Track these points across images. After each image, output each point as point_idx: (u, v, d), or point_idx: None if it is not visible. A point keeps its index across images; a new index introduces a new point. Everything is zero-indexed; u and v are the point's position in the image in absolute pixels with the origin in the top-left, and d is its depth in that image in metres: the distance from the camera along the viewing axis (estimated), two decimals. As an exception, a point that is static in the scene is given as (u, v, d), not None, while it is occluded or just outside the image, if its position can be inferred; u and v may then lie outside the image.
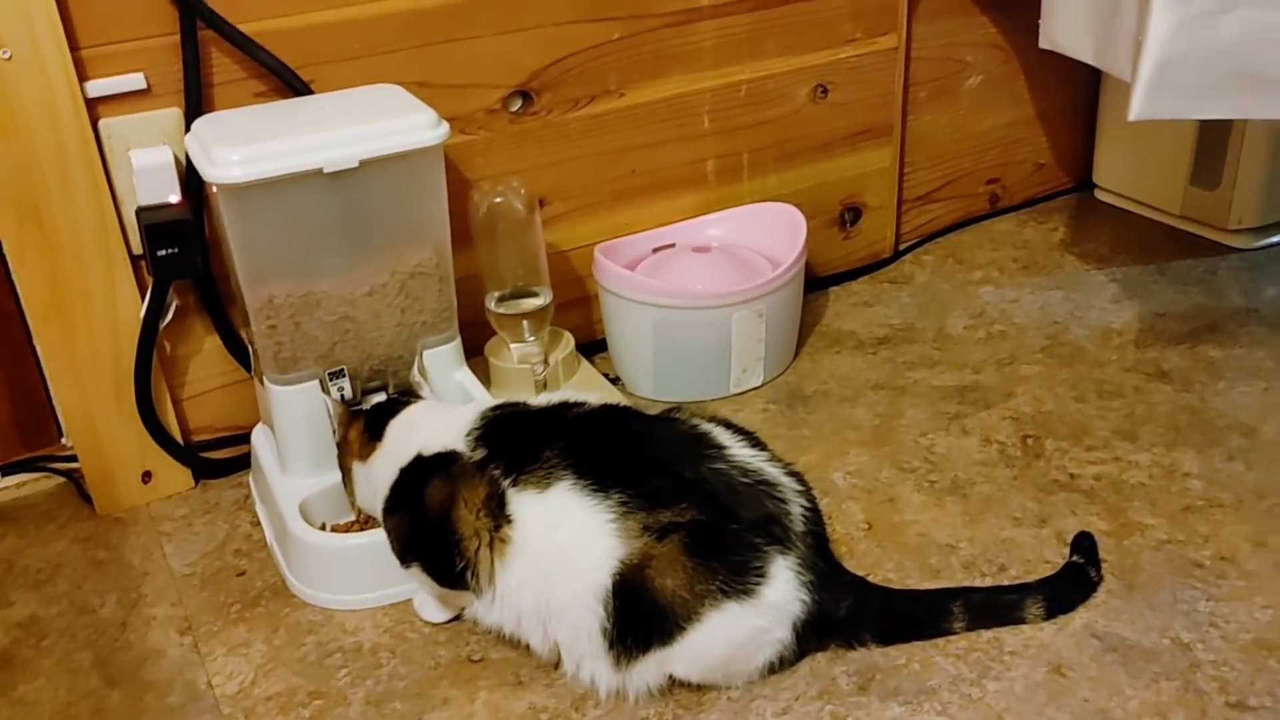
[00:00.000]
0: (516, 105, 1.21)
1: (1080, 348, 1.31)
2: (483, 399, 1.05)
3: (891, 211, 1.51)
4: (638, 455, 0.86)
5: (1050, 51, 1.30)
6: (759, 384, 1.27)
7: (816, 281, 1.47)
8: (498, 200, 1.13)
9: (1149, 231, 1.57)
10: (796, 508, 0.87)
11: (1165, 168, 1.55)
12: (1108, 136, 1.63)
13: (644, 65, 1.26)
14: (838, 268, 1.49)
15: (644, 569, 0.81)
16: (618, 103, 1.26)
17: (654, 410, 0.97)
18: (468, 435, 0.89)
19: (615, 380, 1.28)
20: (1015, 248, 1.56)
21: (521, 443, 0.87)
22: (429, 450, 0.90)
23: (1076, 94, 1.63)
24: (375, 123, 0.96)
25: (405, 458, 0.91)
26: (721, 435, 0.89)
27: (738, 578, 0.82)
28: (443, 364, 1.08)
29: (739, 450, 0.88)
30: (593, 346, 1.32)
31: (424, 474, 0.89)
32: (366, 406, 1.02)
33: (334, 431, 1.00)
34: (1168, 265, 1.48)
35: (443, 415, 0.94)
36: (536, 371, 1.17)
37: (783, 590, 0.84)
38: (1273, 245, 1.49)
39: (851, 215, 1.48)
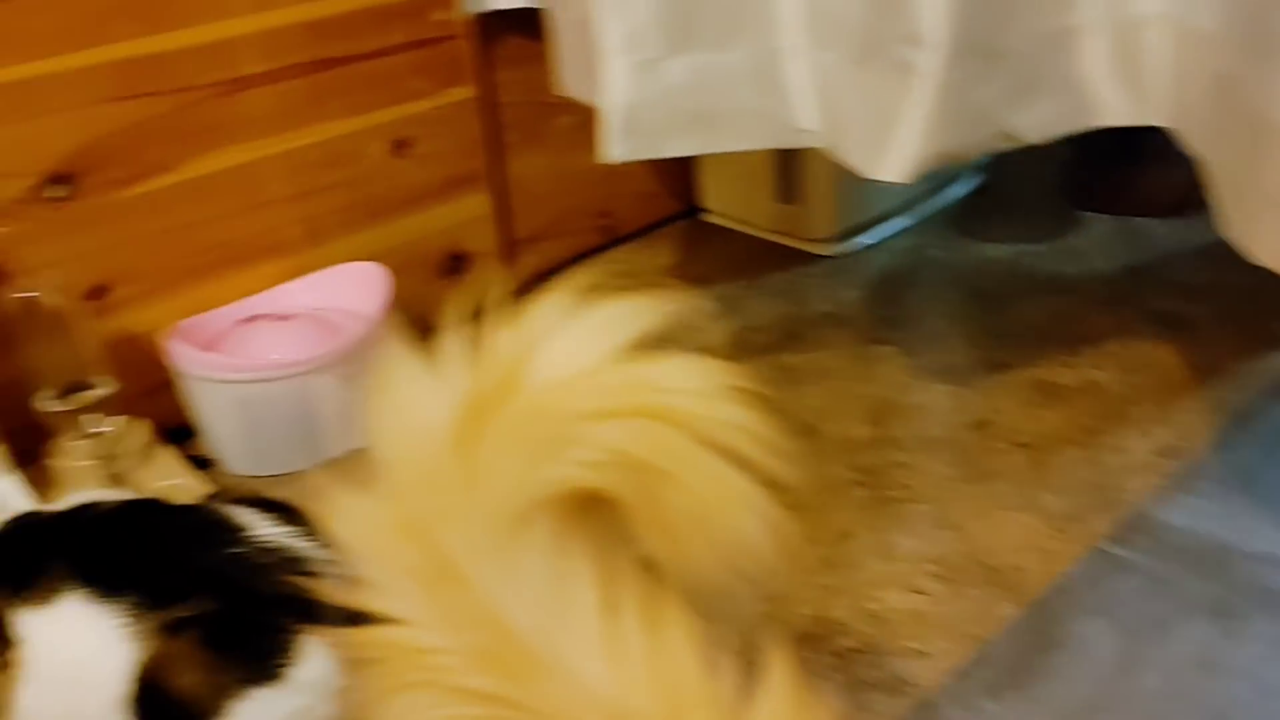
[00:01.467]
0: (58, 191, 1.15)
1: (673, 369, 1.37)
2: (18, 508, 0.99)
3: (498, 255, 1.54)
4: (152, 552, 0.84)
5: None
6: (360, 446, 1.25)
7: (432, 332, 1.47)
8: (28, 295, 1.07)
9: (748, 249, 1.67)
10: (332, 580, 0.86)
11: (757, 187, 1.65)
12: (707, 161, 1.72)
13: (197, 138, 1.22)
14: (450, 316, 1.50)
15: (162, 670, 0.78)
16: (173, 178, 1.22)
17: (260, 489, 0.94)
18: (-24, 555, 0.84)
19: (207, 463, 1.23)
20: (623, 276, 1.61)
21: (28, 556, 0.83)
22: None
23: (669, 125, 1.70)
24: None
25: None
26: (245, 517, 0.87)
27: (260, 663, 0.80)
28: (-21, 476, 1.01)
29: (263, 530, 0.86)
30: (187, 430, 1.27)
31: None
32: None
33: None
34: (761, 279, 1.58)
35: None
36: (104, 467, 1.12)
37: (317, 667, 0.82)
38: (849, 251, 1.61)
39: (456, 263, 1.49)
